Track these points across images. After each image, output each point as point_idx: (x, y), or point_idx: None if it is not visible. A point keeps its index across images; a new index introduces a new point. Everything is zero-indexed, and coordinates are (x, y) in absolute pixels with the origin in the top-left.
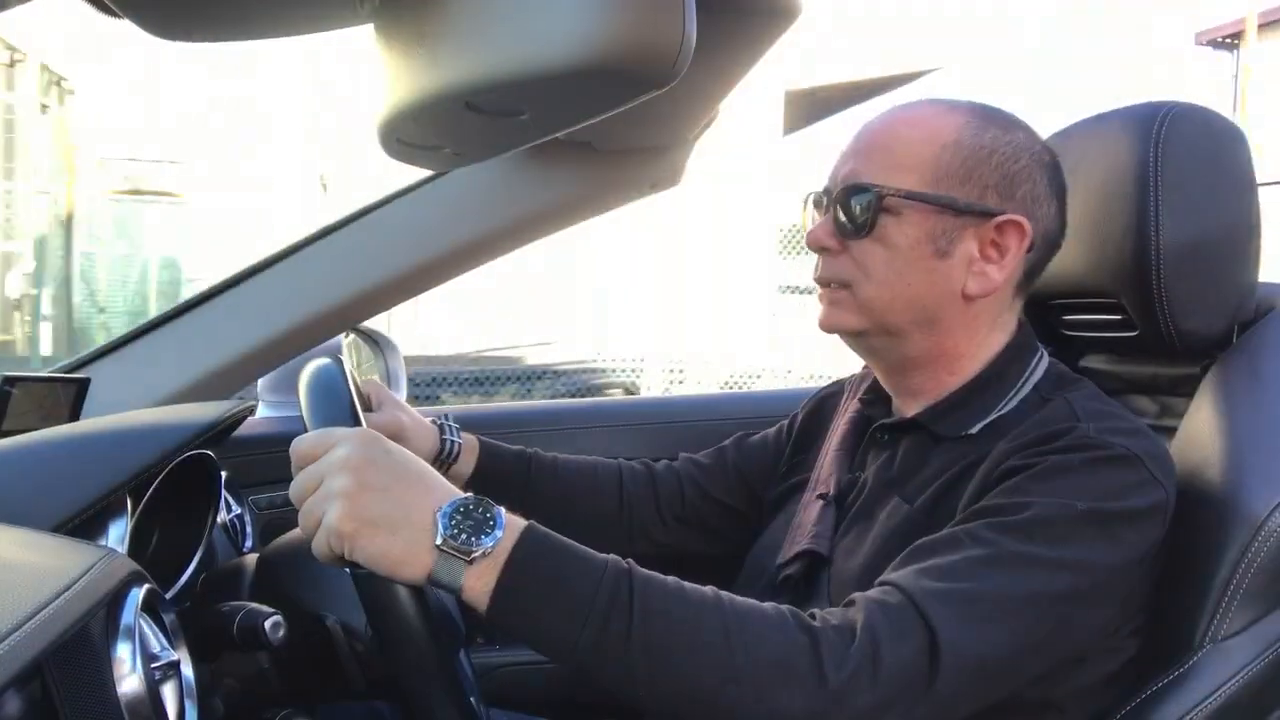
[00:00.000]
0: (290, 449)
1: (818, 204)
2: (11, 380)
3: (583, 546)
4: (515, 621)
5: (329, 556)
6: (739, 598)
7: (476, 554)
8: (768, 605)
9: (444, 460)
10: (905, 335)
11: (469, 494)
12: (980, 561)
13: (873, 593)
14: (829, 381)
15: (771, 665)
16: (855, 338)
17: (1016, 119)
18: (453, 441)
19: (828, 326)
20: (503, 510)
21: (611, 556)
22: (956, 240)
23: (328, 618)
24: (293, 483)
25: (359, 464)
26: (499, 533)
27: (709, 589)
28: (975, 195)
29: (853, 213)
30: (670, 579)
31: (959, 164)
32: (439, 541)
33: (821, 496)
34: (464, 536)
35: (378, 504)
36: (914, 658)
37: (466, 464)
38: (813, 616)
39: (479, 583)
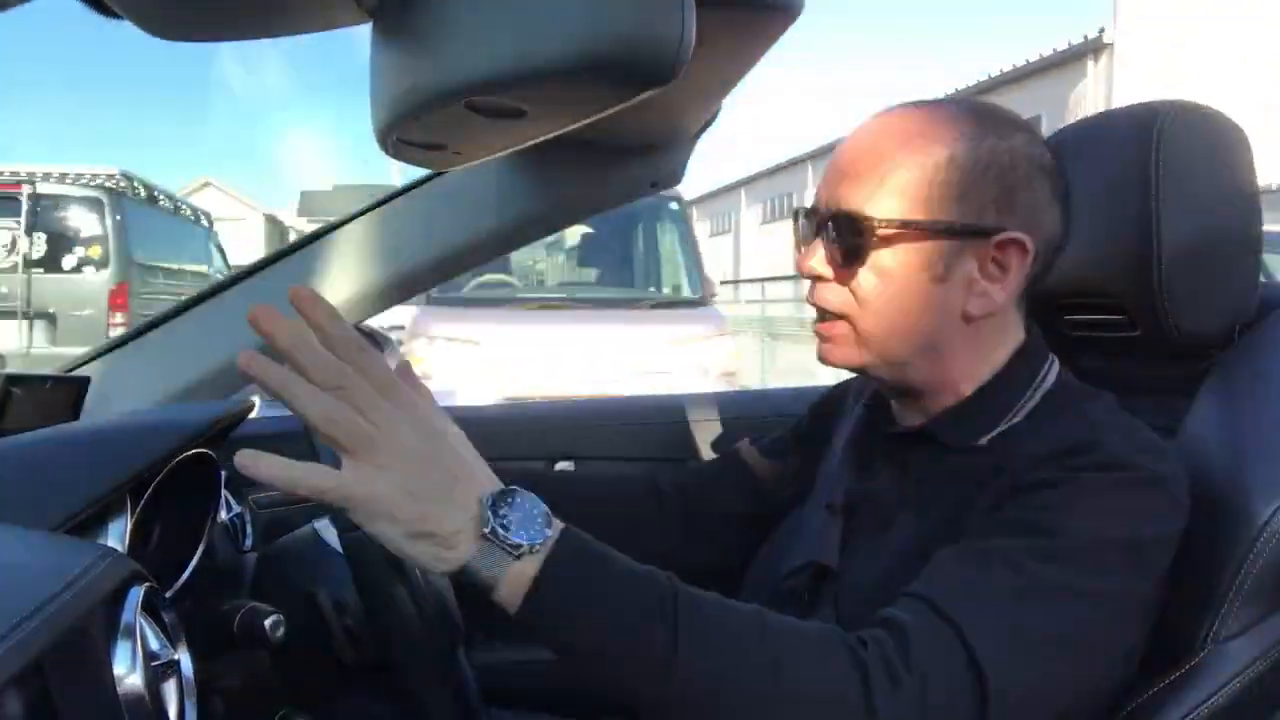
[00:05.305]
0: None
1: (808, 224)
2: (12, 380)
3: (623, 555)
4: (547, 626)
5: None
6: (784, 618)
7: (524, 549)
8: (812, 627)
9: None
10: (908, 364)
11: (510, 485)
12: (1023, 592)
13: (921, 621)
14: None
15: (820, 697)
16: (857, 369)
17: (1014, 118)
18: None
19: (829, 364)
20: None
21: (653, 569)
22: (955, 263)
23: (318, 594)
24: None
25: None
26: (547, 530)
27: (752, 607)
28: (973, 214)
29: (843, 241)
30: (712, 595)
31: (955, 182)
32: (486, 530)
33: (828, 507)
34: (510, 530)
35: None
36: (960, 694)
37: None
38: (862, 642)
39: (516, 581)
